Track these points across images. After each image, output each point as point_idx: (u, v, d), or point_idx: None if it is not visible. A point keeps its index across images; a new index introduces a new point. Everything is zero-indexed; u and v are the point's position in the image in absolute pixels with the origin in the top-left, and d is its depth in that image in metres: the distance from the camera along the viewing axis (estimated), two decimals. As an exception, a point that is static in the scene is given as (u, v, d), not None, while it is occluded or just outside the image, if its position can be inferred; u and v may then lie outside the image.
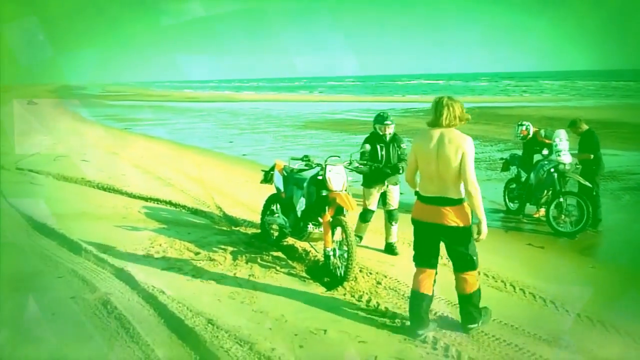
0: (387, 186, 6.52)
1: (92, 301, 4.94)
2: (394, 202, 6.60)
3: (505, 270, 5.91)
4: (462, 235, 4.25)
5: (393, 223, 6.60)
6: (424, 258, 4.45)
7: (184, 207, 8.61)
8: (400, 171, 6.36)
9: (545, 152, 8.15)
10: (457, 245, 4.29)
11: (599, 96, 42.95)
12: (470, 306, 4.41)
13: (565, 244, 7.32)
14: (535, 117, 24.10)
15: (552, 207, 7.72)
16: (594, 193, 7.84)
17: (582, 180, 7.81)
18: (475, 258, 4.32)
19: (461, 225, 4.21)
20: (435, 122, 4.22)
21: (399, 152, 6.46)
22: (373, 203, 6.60)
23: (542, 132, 8.72)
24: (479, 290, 4.44)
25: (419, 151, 4.28)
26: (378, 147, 6.45)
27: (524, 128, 8.72)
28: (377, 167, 6.41)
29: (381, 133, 6.46)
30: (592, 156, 7.87)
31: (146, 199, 9.07)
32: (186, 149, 16.59)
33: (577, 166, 8.11)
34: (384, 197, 6.60)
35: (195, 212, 8.34)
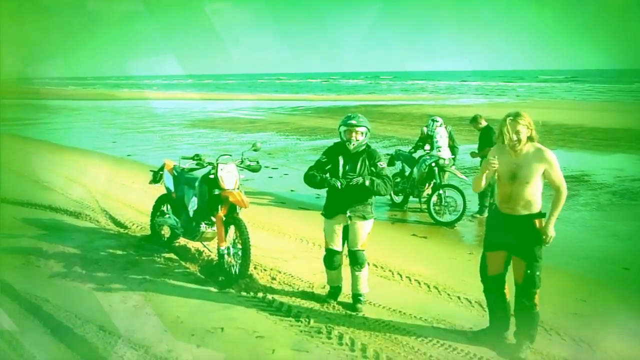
0: (350, 219, 4.85)
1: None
2: (356, 240, 4.87)
3: (393, 260, 6.24)
4: None
5: (357, 269, 4.90)
6: None
7: (65, 211, 8.13)
8: (382, 190, 4.80)
9: (427, 147, 8.70)
10: None
11: (473, 95, 46.19)
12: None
13: (446, 233, 7.88)
14: (417, 114, 25.48)
15: (433, 199, 8.27)
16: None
17: (458, 174, 8.47)
18: None
19: None
20: None
21: (375, 172, 4.83)
22: (335, 240, 4.89)
23: (425, 129, 9.23)
24: None
25: None
26: (340, 159, 4.85)
27: (438, 123, 8.99)
28: (324, 179, 4.79)
29: (345, 139, 4.84)
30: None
31: (22, 204, 8.45)
32: (65, 150, 15.63)
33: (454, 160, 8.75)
34: (345, 232, 4.93)
35: (79, 215, 7.91)
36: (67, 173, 11.41)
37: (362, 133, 4.81)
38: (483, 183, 4.23)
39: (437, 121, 9.01)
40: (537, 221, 4.11)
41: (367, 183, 4.72)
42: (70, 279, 5.47)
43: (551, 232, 4.08)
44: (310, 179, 4.85)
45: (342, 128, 4.84)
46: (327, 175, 4.82)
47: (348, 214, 4.82)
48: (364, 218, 4.86)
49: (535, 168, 4.06)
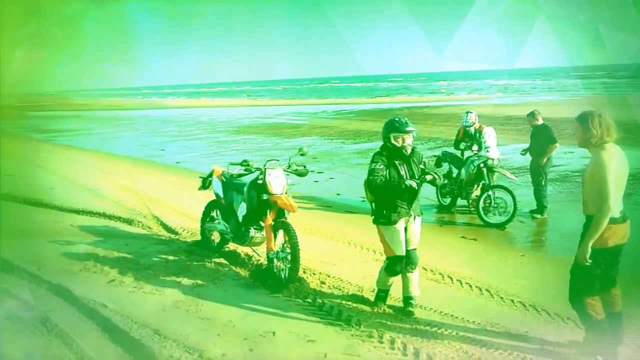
0: (414, 217, 4.92)
1: (30, 320, 4.76)
2: (415, 238, 4.92)
3: (442, 263, 6.16)
4: None
5: (412, 269, 4.93)
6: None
7: (118, 218, 8.36)
8: (438, 182, 4.98)
9: (475, 148, 8.56)
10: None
11: (522, 94, 45.15)
12: (621, 323, 4.10)
13: (496, 235, 7.71)
14: (462, 114, 25.01)
15: (482, 200, 8.12)
16: (543, 183, 8.34)
17: (508, 174, 8.30)
18: None
19: None
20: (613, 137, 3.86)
21: (425, 168, 4.93)
22: (401, 246, 4.83)
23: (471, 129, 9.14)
24: None
25: (619, 170, 3.82)
26: (397, 164, 4.83)
27: (472, 115, 9.26)
28: (405, 186, 4.71)
29: (399, 145, 4.82)
30: (557, 145, 8.31)
31: (78, 212, 8.73)
32: (116, 159, 16.09)
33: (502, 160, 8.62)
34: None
35: (131, 222, 8.11)
36: (119, 181, 11.74)
37: (412, 136, 4.86)
38: None
39: (471, 112, 9.29)
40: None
41: (430, 178, 4.83)
42: (126, 284, 5.61)
43: (584, 252, 3.77)
44: (382, 186, 4.72)
45: (394, 134, 4.82)
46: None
47: (412, 213, 4.84)
48: (421, 214, 5.00)
49: (588, 169, 3.90)
